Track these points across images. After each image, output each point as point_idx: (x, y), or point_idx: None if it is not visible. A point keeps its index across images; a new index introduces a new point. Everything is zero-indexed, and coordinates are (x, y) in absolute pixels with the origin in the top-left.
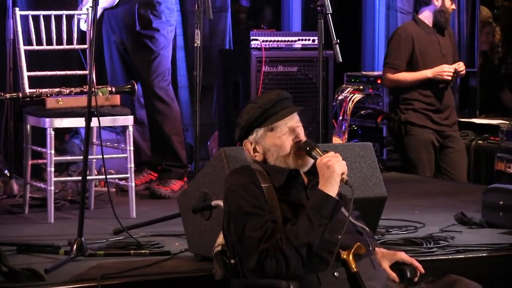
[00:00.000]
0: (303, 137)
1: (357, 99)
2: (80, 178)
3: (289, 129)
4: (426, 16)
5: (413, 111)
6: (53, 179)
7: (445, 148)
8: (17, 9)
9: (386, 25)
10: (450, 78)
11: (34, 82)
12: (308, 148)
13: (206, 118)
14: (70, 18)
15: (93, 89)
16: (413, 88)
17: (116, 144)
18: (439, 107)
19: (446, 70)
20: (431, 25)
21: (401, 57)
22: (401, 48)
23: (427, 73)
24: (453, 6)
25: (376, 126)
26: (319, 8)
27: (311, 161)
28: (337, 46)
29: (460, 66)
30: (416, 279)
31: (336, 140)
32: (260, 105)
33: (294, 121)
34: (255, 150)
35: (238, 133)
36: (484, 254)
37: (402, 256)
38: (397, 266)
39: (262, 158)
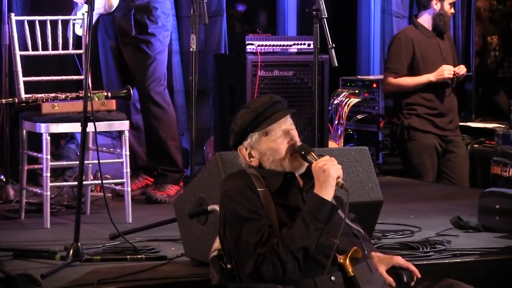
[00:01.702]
0: (297, 139)
1: (353, 103)
2: (76, 183)
3: (283, 132)
4: (425, 20)
5: (416, 116)
6: (49, 184)
7: (448, 153)
8: (12, 14)
9: (382, 29)
10: (451, 76)
11: (30, 87)
12: (303, 152)
13: (201, 123)
14: (65, 23)
15: (88, 94)
16: (415, 92)
17: (112, 149)
18: (442, 110)
19: (445, 69)
20: (430, 29)
21: (402, 62)
22: (402, 53)
23: (430, 77)
24: (452, 10)
25: (378, 131)
26: (314, 12)
27: (307, 163)
28: (333, 50)
29: (461, 70)
30: (412, 283)
31: (332, 144)
32: (252, 110)
33: (288, 124)
34: (250, 155)
35: (233, 139)
36: (481, 258)
37: (399, 260)
38: (394, 271)
39: (258, 163)
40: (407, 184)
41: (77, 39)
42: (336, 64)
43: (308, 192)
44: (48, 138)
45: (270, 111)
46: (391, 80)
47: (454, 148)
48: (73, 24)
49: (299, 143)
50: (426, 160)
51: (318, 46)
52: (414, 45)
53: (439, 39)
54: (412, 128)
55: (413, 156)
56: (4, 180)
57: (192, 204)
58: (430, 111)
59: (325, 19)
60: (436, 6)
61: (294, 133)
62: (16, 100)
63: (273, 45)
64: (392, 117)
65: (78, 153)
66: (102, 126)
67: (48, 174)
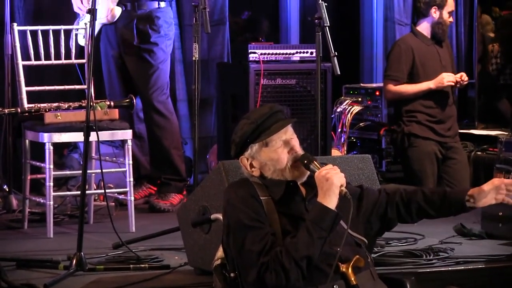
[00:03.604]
0: (298, 149)
1: (356, 111)
2: (79, 192)
3: (283, 142)
4: (424, 28)
5: (416, 123)
6: (52, 193)
7: (448, 160)
8: (15, 24)
9: (384, 37)
10: (453, 83)
11: (33, 97)
12: (306, 162)
13: (205, 131)
14: (68, 33)
15: (91, 103)
16: (415, 99)
17: (115, 158)
18: (441, 118)
19: (445, 77)
20: (429, 37)
21: (402, 69)
22: (402, 60)
23: (430, 84)
24: (451, 19)
25: (379, 138)
26: (316, 20)
27: (307, 172)
28: (335, 58)
29: (463, 77)
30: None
31: (335, 152)
32: (252, 121)
33: (288, 133)
34: (251, 165)
35: (234, 150)
36: (484, 266)
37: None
38: (398, 278)
39: (259, 173)
40: None
41: (80, 49)
42: (339, 72)
43: (311, 201)
44: (51, 147)
45: (270, 121)
46: (391, 87)
47: (454, 155)
48: (76, 35)
49: (300, 152)
50: (426, 167)
51: (321, 54)
52: (413, 53)
53: (438, 47)
54: (413, 135)
55: (413, 163)
56: (7, 189)
57: (195, 213)
58: (430, 118)
59: (327, 27)
60: (435, 14)
61: (295, 142)
62: (19, 110)
63: (276, 54)
64: (393, 125)
65: (81, 163)
66: (105, 135)
67: (51, 184)
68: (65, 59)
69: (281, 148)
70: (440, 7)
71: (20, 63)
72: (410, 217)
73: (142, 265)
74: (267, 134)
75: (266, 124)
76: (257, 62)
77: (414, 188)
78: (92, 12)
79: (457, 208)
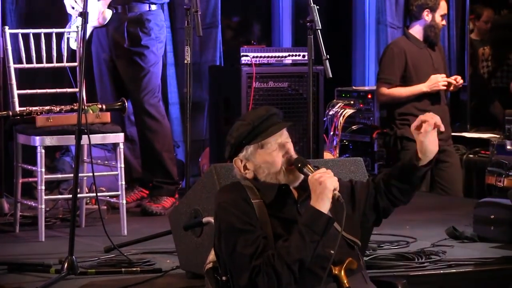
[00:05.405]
0: (293, 152)
1: (348, 114)
2: (71, 196)
3: (279, 145)
4: (417, 31)
5: (409, 126)
6: (44, 197)
7: (440, 163)
8: (6, 27)
9: (376, 40)
10: (445, 87)
11: (24, 100)
12: (299, 165)
13: (197, 135)
14: (59, 36)
15: (83, 106)
16: (408, 102)
17: (106, 162)
18: None
19: (440, 80)
20: (422, 40)
21: (395, 72)
22: (395, 63)
23: (423, 87)
24: (443, 22)
25: (371, 141)
26: (308, 23)
27: (302, 176)
28: (327, 61)
29: (458, 79)
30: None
31: (327, 155)
32: (248, 122)
33: (284, 137)
34: (245, 167)
35: (228, 151)
36: (476, 269)
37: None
38: (389, 280)
39: (253, 175)
40: None
41: (71, 52)
42: (331, 75)
43: (303, 204)
44: (43, 151)
45: (266, 124)
46: (384, 90)
47: (447, 158)
48: (68, 38)
49: (294, 155)
50: None
51: (313, 57)
52: (406, 55)
53: (430, 50)
54: (405, 138)
55: None
56: None
57: (187, 216)
58: None
59: (319, 30)
60: (427, 17)
61: (290, 146)
62: (11, 113)
63: (268, 57)
64: (385, 127)
65: (73, 166)
66: (96, 138)
67: (43, 187)
68: (56, 62)
69: (276, 151)
70: (433, 10)
71: (12, 66)
72: (398, 200)
73: (134, 269)
74: (263, 136)
75: (262, 126)
76: (249, 65)
77: (383, 173)
78: (84, 15)
79: (414, 173)
